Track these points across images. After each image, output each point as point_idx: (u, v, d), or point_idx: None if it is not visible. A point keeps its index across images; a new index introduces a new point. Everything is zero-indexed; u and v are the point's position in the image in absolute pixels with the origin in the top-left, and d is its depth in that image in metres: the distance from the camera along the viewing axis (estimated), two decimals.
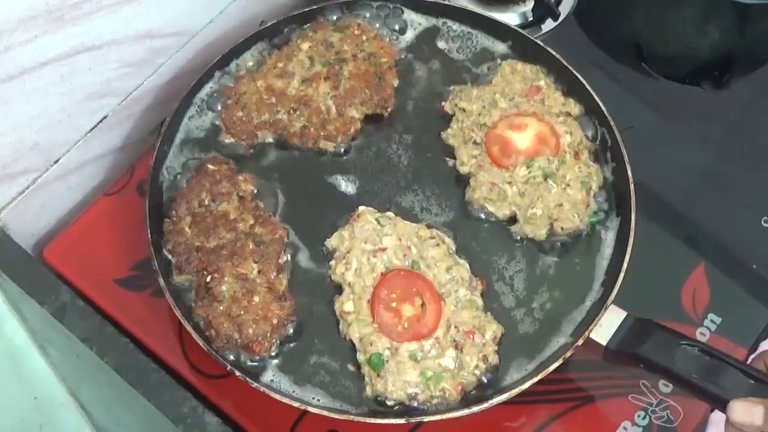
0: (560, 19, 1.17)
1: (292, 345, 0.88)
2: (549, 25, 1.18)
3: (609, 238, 0.94)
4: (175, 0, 1.00)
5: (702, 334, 0.96)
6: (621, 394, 0.93)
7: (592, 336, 0.86)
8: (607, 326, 0.87)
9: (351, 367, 0.88)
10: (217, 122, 0.99)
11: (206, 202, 0.93)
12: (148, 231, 0.90)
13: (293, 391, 0.86)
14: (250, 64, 1.02)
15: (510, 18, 1.15)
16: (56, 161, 0.99)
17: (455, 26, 1.06)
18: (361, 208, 0.94)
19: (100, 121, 1.02)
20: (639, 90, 1.14)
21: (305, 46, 1.02)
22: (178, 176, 0.96)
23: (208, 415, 0.86)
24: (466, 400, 0.86)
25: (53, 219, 1.04)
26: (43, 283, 0.94)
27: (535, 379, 0.85)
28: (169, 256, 0.91)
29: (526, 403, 0.92)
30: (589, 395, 0.93)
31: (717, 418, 0.93)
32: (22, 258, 0.97)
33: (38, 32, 0.86)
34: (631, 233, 0.91)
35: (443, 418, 0.85)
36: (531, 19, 1.17)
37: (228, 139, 0.99)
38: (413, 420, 0.84)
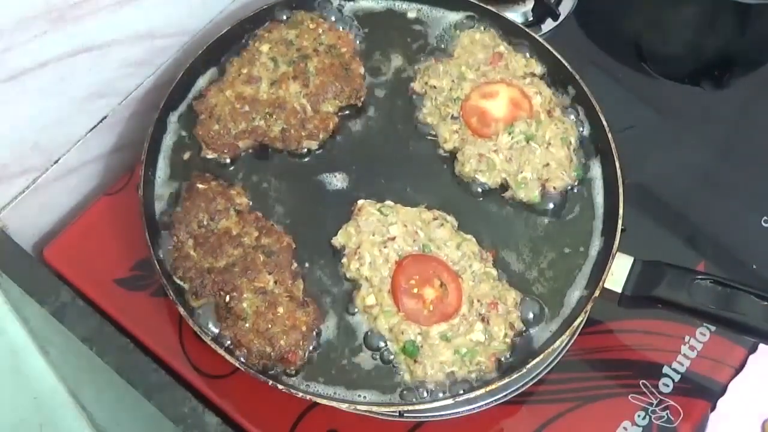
0: (560, 19, 1.17)
1: (318, 349, 0.88)
2: (549, 25, 1.18)
3: (597, 186, 0.96)
4: (176, 0, 1.00)
5: (702, 334, 0.96)
6: (621, 394, 0.93)
7: (606, 285, 0.88)
8: (618, 273, 0.88)
9: (382, 359, 0.87)
10: (195, 139, 0.96)
11: (205, 222, 0.91)
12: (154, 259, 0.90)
13: (335, 393, 0.85)
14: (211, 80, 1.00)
15: (510, 18, 1.14)
16: (56, 161, 0.99)
17: (405, 5, 1.06)
18: (360, 201, 0.94)
19: (100, 121, 1.02)
20: (639, 90, 1.14)
21: (264, 48, 1.00)
22: (170, 198, 0.94)
23: (208, 415, 0.86)
24: (502, 369, 0.86)
25: (53, 219, 1.04)
26: (43, 283, 0.94)
27: (564, 336, 0.86)
28: (181, 283, 0.88)
29: (526, 403, 0.92)
30: (589, 395, 0.93)
31: (717, 418, 0.93)
32: (22, 258, 0.97)
33: (38, 32, 0.87)
34: (619, 177, 0.93)
35: (444, 418, 0.85)
36: (531, 19, 1.18)
37: (210, 155, 0.96)
38: (459, 398, 0.84)
